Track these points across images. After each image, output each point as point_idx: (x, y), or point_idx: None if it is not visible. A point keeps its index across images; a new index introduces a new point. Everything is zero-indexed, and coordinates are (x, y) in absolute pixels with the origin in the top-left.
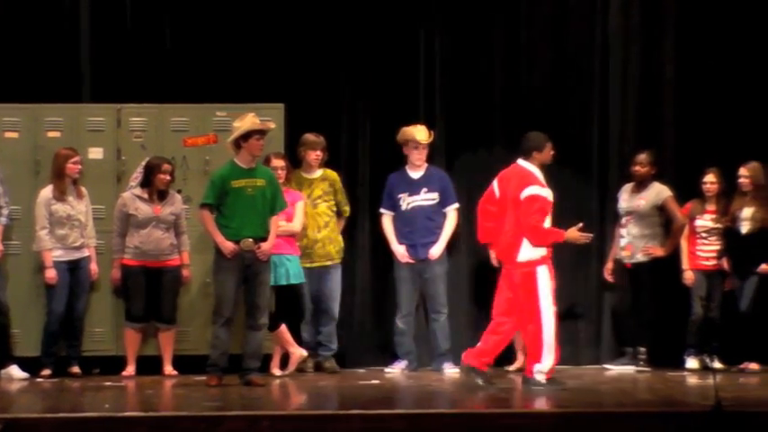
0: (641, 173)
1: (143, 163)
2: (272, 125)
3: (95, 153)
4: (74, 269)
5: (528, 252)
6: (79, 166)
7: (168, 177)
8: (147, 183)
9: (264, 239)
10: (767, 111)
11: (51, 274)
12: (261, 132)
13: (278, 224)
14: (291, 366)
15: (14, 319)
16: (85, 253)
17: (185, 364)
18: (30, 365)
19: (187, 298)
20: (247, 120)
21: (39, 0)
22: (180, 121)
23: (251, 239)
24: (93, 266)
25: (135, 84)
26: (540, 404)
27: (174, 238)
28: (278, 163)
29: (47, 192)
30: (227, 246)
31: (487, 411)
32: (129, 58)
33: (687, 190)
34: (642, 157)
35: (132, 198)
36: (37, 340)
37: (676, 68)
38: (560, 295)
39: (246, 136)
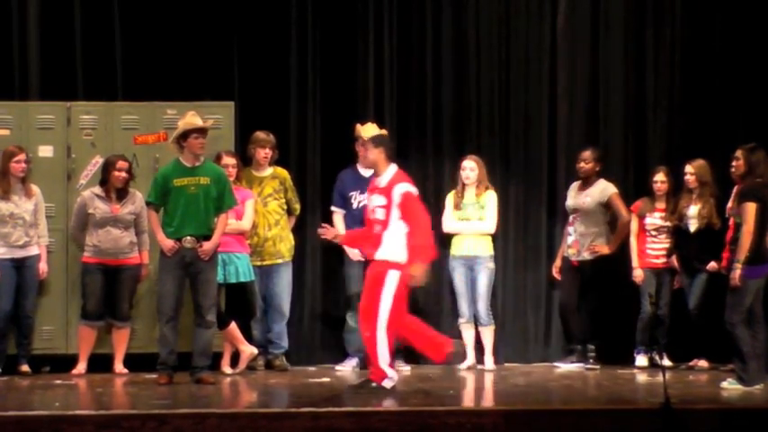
0: (586, 169)
1: (93, 161)
2: (210, 123)
3: (45, 151)
4: (19, 267)
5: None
6: (23, 165)
7: (124, 175)
8: (104, 181)
9: (208, 238)
10: (716, 107)
11: None
12: (199, 131)
13: (226, 222)
14: (242, 364)
15: None
16: (33, 251)
17: (136, 362)
18: None
19: (138, 296)
20: (186, 118)
21: None
22: (130, 119)
23: (192, 237)
24: (42, 265)
25: (84, 81)
26: (487, 402)
27: (134, 236)
28: (229, 161)
29: None
30: (166, 243)
31: (435, 409)
32: (78, 54)
33: (636, 188)
34: (586, 153)
35: (91, 197)
36: None
37: (625, 65)
38: (509, 293)
39: (185, 135)
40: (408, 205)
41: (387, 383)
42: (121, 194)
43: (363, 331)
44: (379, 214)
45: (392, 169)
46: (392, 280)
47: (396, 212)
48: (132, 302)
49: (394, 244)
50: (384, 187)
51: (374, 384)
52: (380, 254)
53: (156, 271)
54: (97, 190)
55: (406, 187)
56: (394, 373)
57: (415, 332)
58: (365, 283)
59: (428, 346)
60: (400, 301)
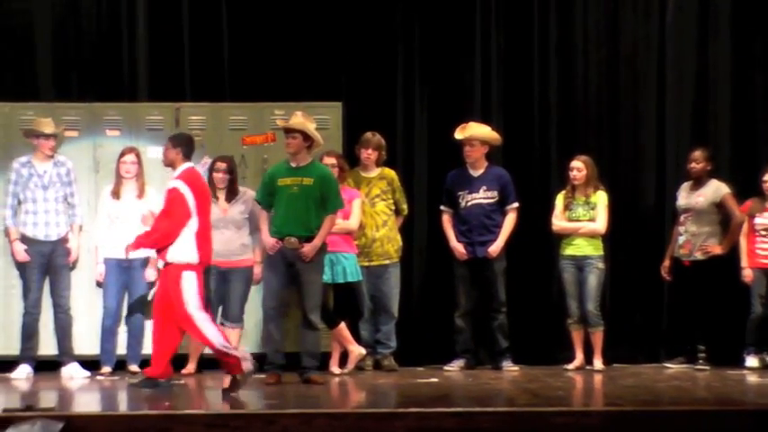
0: (697, 169)
1: (201, 162)
2: (281, 123)
3: (154, 152)
4: (127, 268)
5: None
6: (128, 165)
7: (221, 175)
8: (209, 183)
9: (311, 239)
10: None
11: (100, 270)
12: (285, 131)
13: (332, 224)
14: (350, 364)
15: (75, 319)
16: (141, 254)
17: None
18: (90, 364)
19: (250, 296)
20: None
21: (97, 1)
22: (238, 120)
23: (294, 238)
24: (149, 269)
25: (192, 82)
26: (596, 402)
27: (245, 237)
28: (329, 161)
29: (106, 190)
30: (268, 241)
31: (542, 410)
32: (187, 56)
33: (746, 188)
34: (697, 153)
35: None
36: (97, 339)
37: (733, 64)
38: (618, 293)
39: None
40: (169, 200)
41: (246, 366)
42: (230, 195)
43: (193, 337)
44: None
45: (183, 167)
46: (189, 283)
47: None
48: (244, 305)
49: (181, 244)
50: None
51: (239, 376)
52: (170, 256)
53: None
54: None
55: (175, 183)
56: (245, 354)
57: (166, 338)
58: (159, 286)
59: (159, 356)
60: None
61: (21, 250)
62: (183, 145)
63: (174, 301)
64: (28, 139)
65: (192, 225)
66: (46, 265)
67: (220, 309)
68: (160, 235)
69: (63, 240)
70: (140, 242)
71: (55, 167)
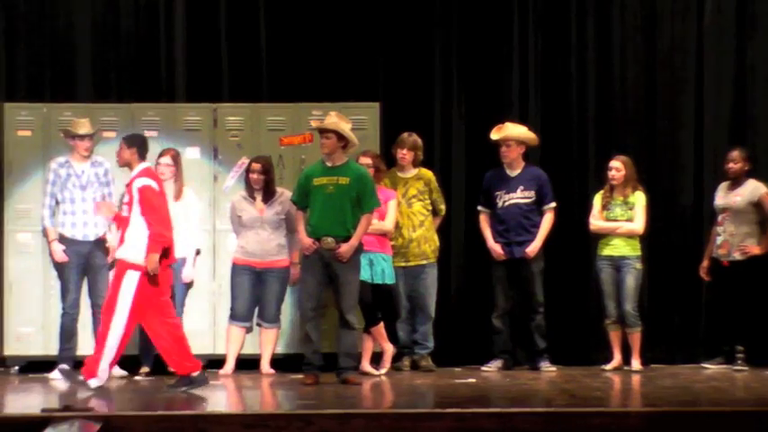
0: (734, 169)
1: (239, 162)
2: (315, 124)
3: (192, 152)
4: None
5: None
6: (161, 167)
7: (257, 176)
8: (247, 183)
9: (347, 239)
10: None
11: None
12: (320, 131)
13: (368, 224)
14: (386, 363)
15: None
16: (178, 254)
17: (284, 362)
18: (128, 364)
19: (286, 297)
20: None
21: (135, 1)
22: (276, 121)
23: (331, 238)
24: (186, 270)
25: (230, 83)
26: (634, 403)
27: (281, 238)
28: (364, 161)
29: None
30: (305, 241)
31: (580, 410)
32: (224, 56)
33: None
34: (735, 153)
35: (239, 200)
36: (135, 339)
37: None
38: (656, 293)
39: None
40: (144, 199)
41: (93, 383)
42: (267, 195)
43: (102, 326)
44: (124, 211)
45: (140, 167)
46: (130, 281)
47: (137, 209)
48: (281, 305)
49: (134, 243)
50: (127, 184)
51: (81, 378)
52: (120, 253)
53: None
54: (244, 192)
55: (145, 181)
56: (105, 376)
57: (166, 338)
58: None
59: (174, 356)
60: (145, 301)
61: (59, 250)
62: (138, 145)
63: (111, 292)
64: (66, 140)
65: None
66: (84, 266)
67: (256, 309)
68: (161, 234)
69: (101, 240)
70: (152, 250)
71: (93, 168)
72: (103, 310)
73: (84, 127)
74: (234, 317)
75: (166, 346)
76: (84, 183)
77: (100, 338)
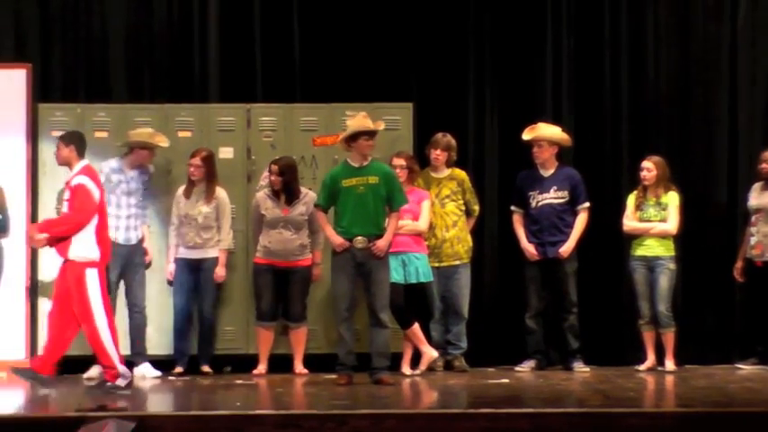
0: None
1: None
2: (381, 125)
3: (225, 153)
4: (195, 269)
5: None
6: (191, 168)
7: (273, 177)
8: (270, 185)
9: (379, 237)
10: None
11: (170, 269)
12: (368, 133)
13: (398, 221)
14: (423, 366)
15: (148, 319)
16: (209, 254)
17: (318, 362)
18: (162, 364)
19: (318, 297)
20: (356, 120)
21: (167, 1)
22: (309, 121)
23: (363, 237)
24: (218, 269)
25: (263, 83)
26: (668, 404)
27: (304, 238)
28: (398, 162)
29: (179, 190)
30: (336, 239)
31: (614, 411)
32: (258, 57)
33: None
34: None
35: (264, 198)
36: (169, 339)
37: None
38: (690, 294)
39: (355, 136)
40: (74, 196)
41: (121, 381)
42: (292, 196)
43: (87, 334)
44: (64, 208)
45: (80, 165)
46: (91, 279)
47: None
48: (305, 303)
49: (82, 241)
50: (67, 182)
51: (109, 384)
52: (72, 253)
53: (330, 271)
54: (269, 191)
55: (80, 180)
56: (126, 371)
57: (67, 332)
58: (62, 285)
59: (50, 351)
60: (67, 292)
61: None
62: (75, 143)
63: (77, 298)
64: (131, 147)
65: (94, 222)
66: (123, 267)
67: (280, 308)
68: (72, 225)
69: (140, 241)
70: (50, 225)
71: (141, 175)
72: (81, 318)
73: (165, 141)
74: (260, 317)
75: (55, 340)
76: (132, 189)
77: (94, 342)
